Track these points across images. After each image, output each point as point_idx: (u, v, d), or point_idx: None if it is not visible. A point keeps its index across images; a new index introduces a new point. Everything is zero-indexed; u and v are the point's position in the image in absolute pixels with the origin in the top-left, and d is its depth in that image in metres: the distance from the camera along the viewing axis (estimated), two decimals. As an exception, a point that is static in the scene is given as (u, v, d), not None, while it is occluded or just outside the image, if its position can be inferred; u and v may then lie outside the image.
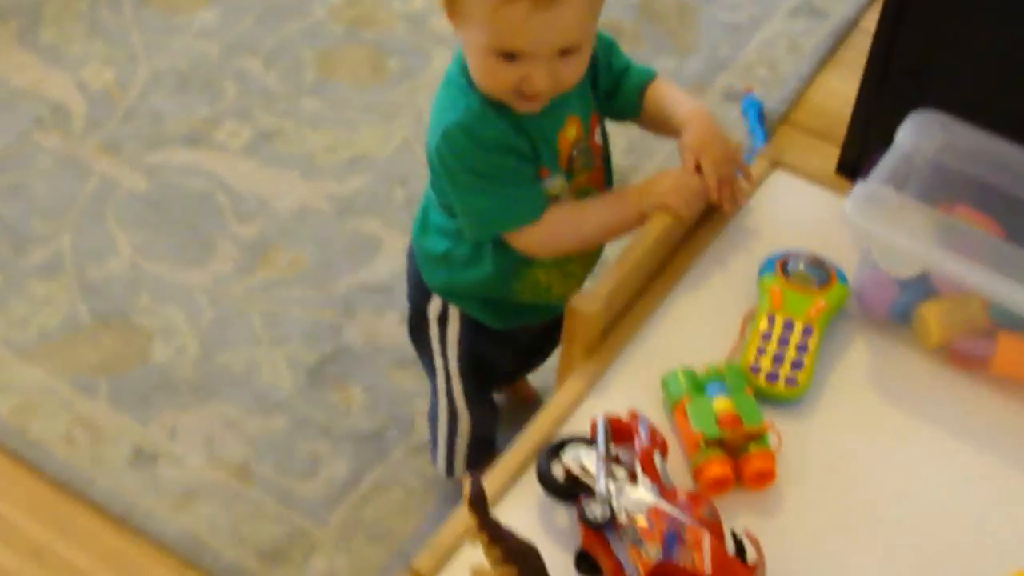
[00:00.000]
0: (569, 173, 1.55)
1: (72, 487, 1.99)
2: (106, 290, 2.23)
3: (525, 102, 1.46)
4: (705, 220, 1.65)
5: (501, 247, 1.56)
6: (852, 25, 2.82)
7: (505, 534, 1.26)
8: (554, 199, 1.54)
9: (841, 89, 2.68)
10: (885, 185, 1.54)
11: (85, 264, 2.26)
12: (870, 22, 2.82)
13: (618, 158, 2.42)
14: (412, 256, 1.72)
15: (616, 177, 1.68)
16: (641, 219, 1.53)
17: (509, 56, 1.40)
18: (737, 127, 2.53)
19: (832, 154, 1.99)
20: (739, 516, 1.34)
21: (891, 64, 1.82)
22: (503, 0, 1.35)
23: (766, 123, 2.55)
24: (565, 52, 1.41)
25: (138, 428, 2.06)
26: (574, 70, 1.45)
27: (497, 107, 1.47)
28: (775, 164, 1.75)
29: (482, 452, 1.89)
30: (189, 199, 2.37)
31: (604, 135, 1.62)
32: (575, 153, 1.55)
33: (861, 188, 1.53)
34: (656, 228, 1.56)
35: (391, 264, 2.25)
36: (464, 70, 1.49)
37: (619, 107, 1.63)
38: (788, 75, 2.67)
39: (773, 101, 2.61)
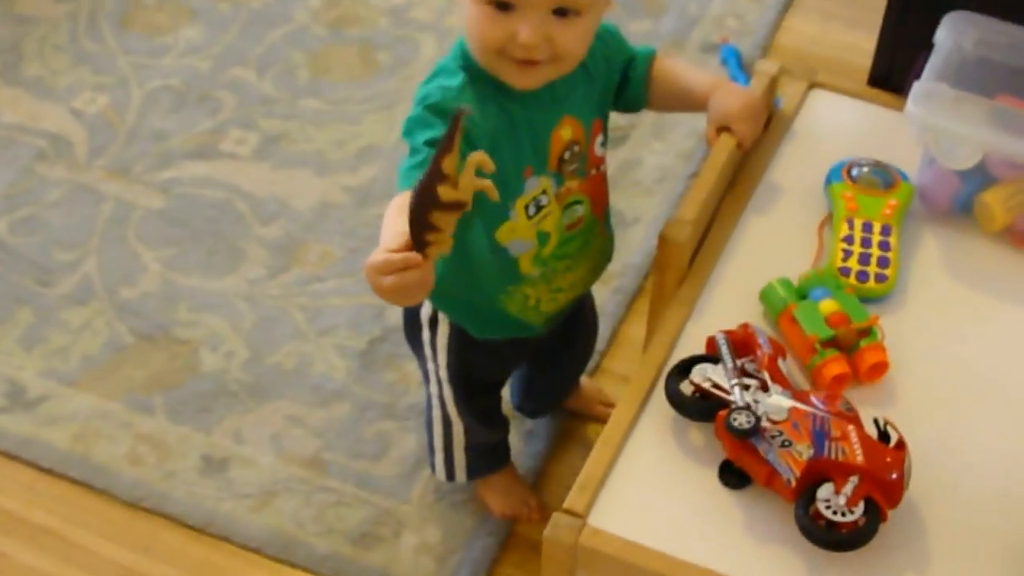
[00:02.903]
0: (559, 176, 1.47)
1: (147, 505, 1.95)
2: (142, 309, 2.18)
3: (519, 69, 1.36)
4: (759, 144, 1.66)
5: (489, 254, 1.49)
6: (804, -28, 2.85)
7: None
8: (534, 201, 1.46)
9: (806, 31, 2.72)
10: (938, 82, 1.56)
11: (116, 286, 2.21)
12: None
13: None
14: None
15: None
16: None
17: (502, 5, 1.31)
18: (719, 75, 2.54)
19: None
20: (861, 408, 1.34)
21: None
22: None
23: (746, 68, 2.56)
24: (561, 12, 1.32)
25: (202, 437, 2.01)
26: (572, 37, 1.35)
27: (487, 92, 1.38)
28: (812, 85, 1.76)
29: (484, 457, 1.85)
30: (208, 210, 2.33)
31: (605, 145, 1.55)
32: (567, 156, 1.47)
33: (919, 87, 1.56)
34: (722, 154, 1.56)
35: (420, 244, 2.23)
36: (458, 56, 1.41)
37: (629, 98, 1.57)
38: (756, 23, 2.69)
39: (746, 48, 2.63)
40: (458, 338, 1.62)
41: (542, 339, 1.67)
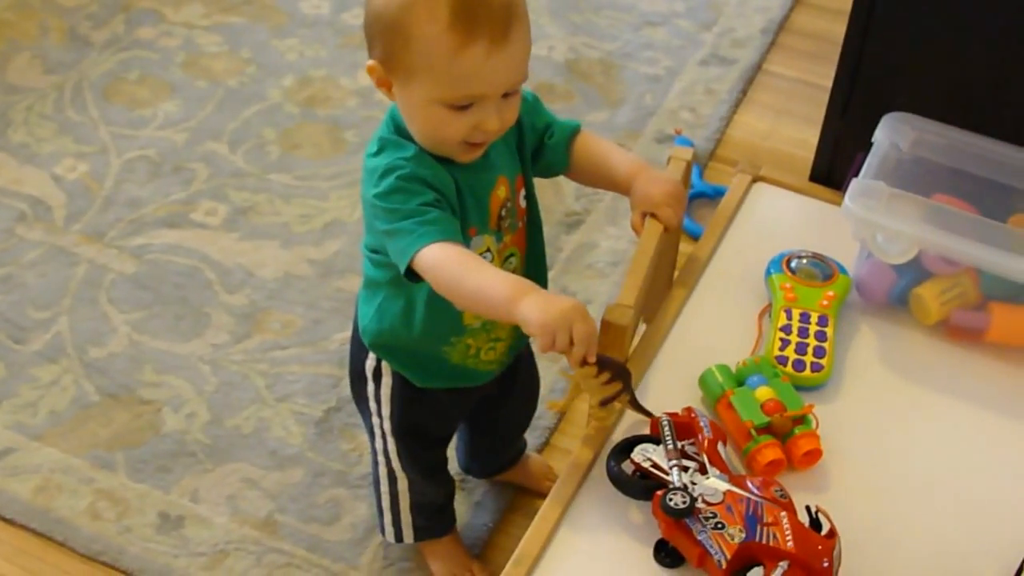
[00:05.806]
0: (499, 233, 1.47)
1: (104, 559, 1.88)
2: (109, 368, 2.12)
3: (470, 149, 1.37)
4: (705, 236, 1.63)
5: (433, 306, 1.45)
6: (757, 69, 2.84)
7: (607, 360, 1.31)
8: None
9: (757, 126, 2.70)
10: (875, 180, 1.54)
11: (85, 346, 2.16)
12: (773, 65, 2.87)
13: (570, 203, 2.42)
14: (357, 312, 1.60)
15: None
16: (508, 317, 1.29)
17: (463, 106, 1.32)
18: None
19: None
20: (794, 495, 1.30)
21: (855, 85, 1.82)
22: (461, 45, 1.27)
23: (697, 159, 2.54)
24: (508, 94, 1.34)
25: (160, 495, 1.95)
26: (514, 110, 1.38)
27: (435, 161, 1.38)
28: (756, 179, 1.74)
29: (431, 519, 1.80)
30: (177, 276, 2.28)
31: (530, 198, 1.52)
32: (503, 212, 1.46)
33: (856, 184, 1.53)
34: (651, 239, 1.49)
35: (380, 317, 2.18)
36: (396, 130, 1.40)
37: (547, 163, 1.54)
38: (709, 117, 2.67)
39: (699, 140, 2.61)
40: (401, 389, 1.58)
41: (482, 391, 1.63)
